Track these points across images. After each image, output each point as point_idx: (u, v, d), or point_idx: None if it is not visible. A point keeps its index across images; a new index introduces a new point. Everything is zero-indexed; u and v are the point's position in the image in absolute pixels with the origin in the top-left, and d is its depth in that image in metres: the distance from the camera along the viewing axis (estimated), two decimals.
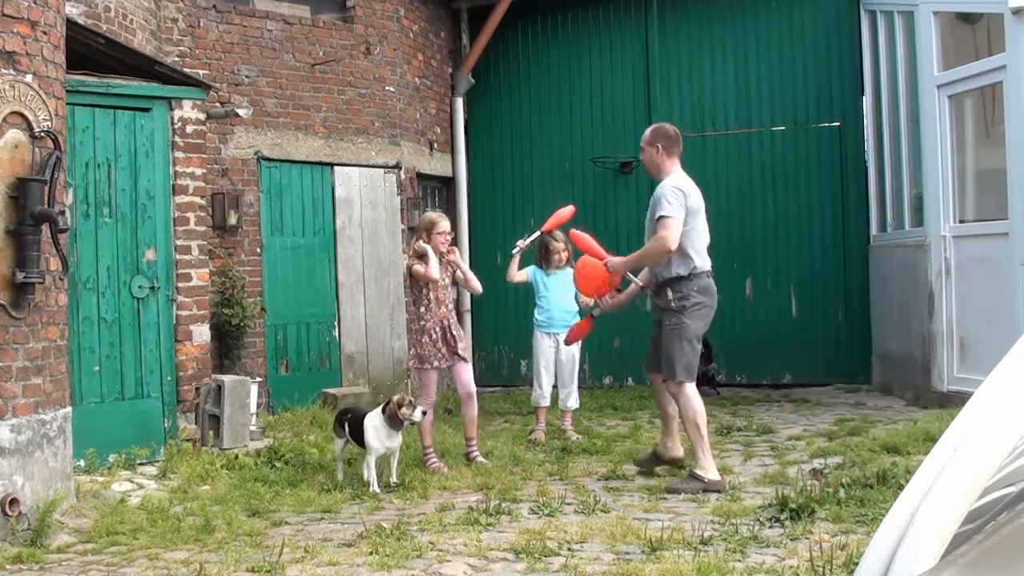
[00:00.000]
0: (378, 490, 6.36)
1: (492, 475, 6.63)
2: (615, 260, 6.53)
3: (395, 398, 6.61)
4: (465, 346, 7.47)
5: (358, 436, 6.53)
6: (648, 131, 6.56)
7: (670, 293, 6.26)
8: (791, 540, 4.89)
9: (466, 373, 7.25)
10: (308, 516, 5.83)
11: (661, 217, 6.11)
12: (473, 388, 7.21)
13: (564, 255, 8.23)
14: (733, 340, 11.07)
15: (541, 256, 8.37)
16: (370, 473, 6.46)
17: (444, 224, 7.25)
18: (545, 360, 8.28)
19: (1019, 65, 7.64)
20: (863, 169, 10.69)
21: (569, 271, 7.80)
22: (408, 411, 6.47)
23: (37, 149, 5.66)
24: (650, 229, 6.30)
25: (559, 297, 8.22)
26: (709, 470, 6.13)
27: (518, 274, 8.31)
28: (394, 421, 6.47)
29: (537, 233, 8.16)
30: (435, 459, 7.05)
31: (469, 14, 11.97)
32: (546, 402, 8.26)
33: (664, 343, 6.29)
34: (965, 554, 1.30)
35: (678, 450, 6.60)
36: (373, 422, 6.51)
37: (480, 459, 7.12)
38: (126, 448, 6.96)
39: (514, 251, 8.22)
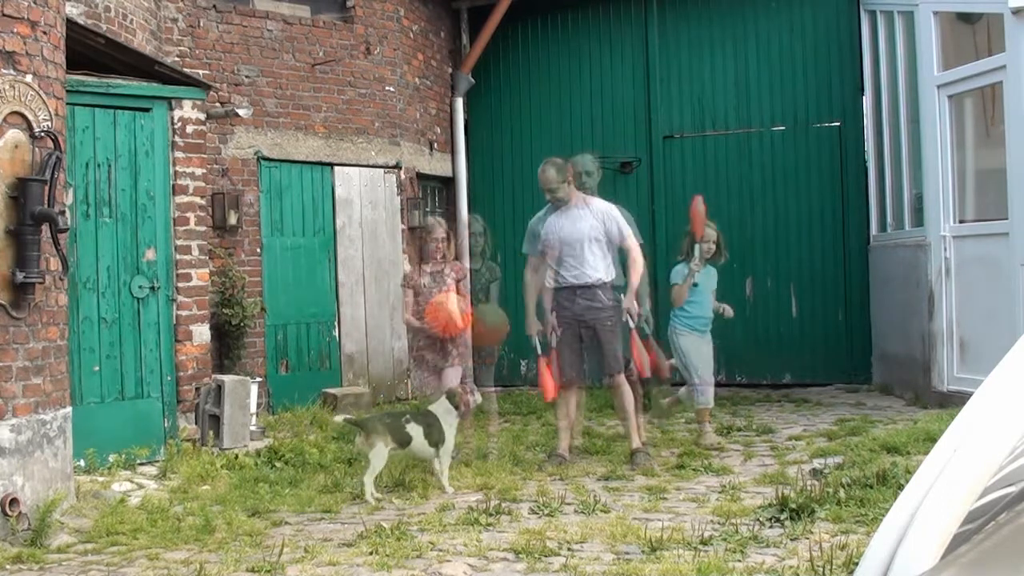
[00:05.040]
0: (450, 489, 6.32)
1: (492, 475, 6.64)
2: (633, 295, 6.96)
3: (456, 389, 6.67)
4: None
5: (432, 438, 6.36)
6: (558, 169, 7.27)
7: (603, 295, 6.96)
8: (791, 540, 4.89)
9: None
10: (308, 516, 5.83)
11: (630, 241, 7.00)
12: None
13: (712, 247, 7.73)
14: (733, 340, 11.05)
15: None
16: (446, 471, 6.41)
17: (439, 231, 7.44)
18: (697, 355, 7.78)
19: (1019, 65, 7.64)
20: (863, 169, 10.69)
21: (713, 270, 7.84)
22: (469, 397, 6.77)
23: (37, 149, 5.66)
24: (599, 243, 6.98)
25: (705, 298, 7.75)
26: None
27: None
28: (463, 411, 6.68)
29: (697, 246, 7.61)
30: None
31: (469, 14, 11.97)
32: (709, 404, 7.81)
33: (604, 341, 6.91)
34: (965, 554, 1.29)
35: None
36: (449, 419, 6.47)
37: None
38: (126, 448, 6.96)
39: (692, 278, 7.65)
